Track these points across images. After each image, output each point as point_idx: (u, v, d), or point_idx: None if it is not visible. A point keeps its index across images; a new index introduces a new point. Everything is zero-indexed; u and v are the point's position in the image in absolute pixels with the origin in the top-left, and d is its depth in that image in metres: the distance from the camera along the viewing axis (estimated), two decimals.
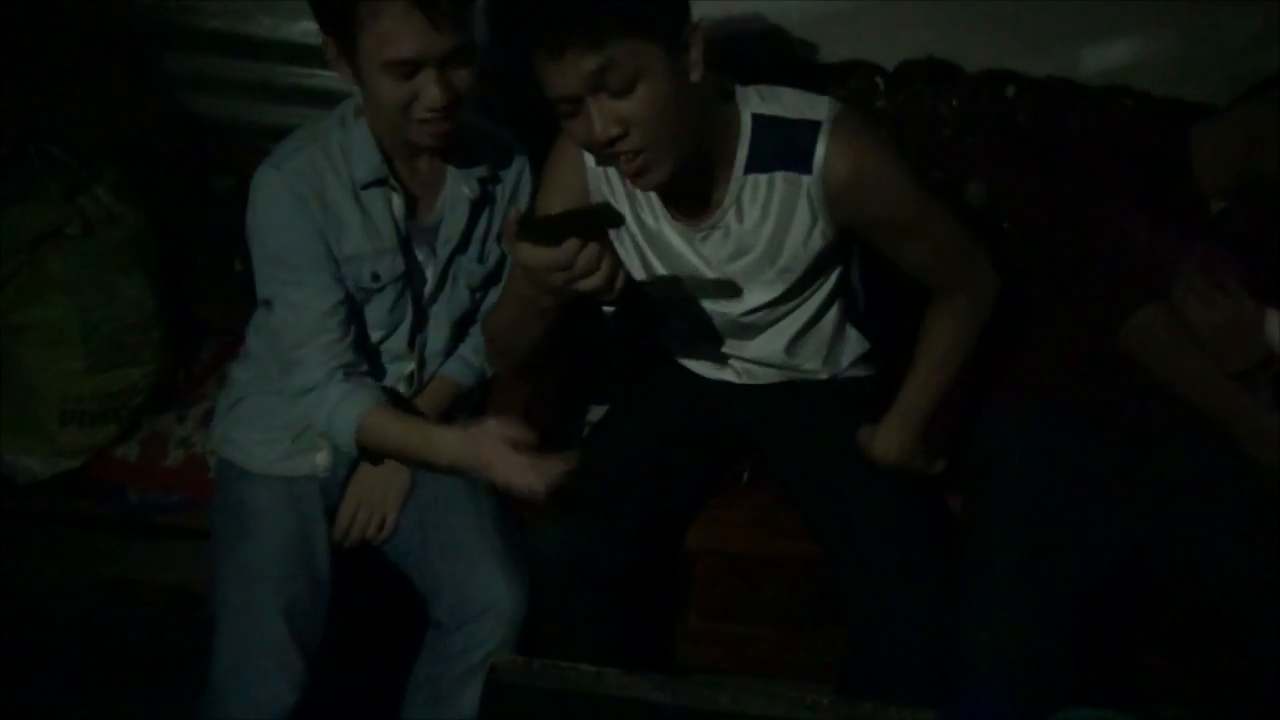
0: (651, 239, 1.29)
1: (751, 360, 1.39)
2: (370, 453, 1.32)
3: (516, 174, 1.40)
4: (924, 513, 1.32)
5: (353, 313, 1.32)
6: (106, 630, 1.65)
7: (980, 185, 1.65)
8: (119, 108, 1.69)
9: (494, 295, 1.43)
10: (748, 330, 1.35)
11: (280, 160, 1.26)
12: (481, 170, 1.35)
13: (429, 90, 1.16)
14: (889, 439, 1.30)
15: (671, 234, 1.27)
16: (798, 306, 1.32)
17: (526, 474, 1.16)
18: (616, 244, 1.28)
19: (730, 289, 1.29)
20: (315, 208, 1.25)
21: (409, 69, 1.14)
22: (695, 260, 1.28)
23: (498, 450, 1.19)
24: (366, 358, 1.36)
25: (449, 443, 1.26)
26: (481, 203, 1.37)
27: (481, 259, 1.40)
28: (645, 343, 1.50)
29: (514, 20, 1.05)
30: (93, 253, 1.53)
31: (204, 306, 1.76)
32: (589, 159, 1.23)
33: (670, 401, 1.45)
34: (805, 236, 1.23)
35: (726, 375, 1.42)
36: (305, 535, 1.32)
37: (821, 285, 1.31)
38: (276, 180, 1.24)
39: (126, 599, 1.66)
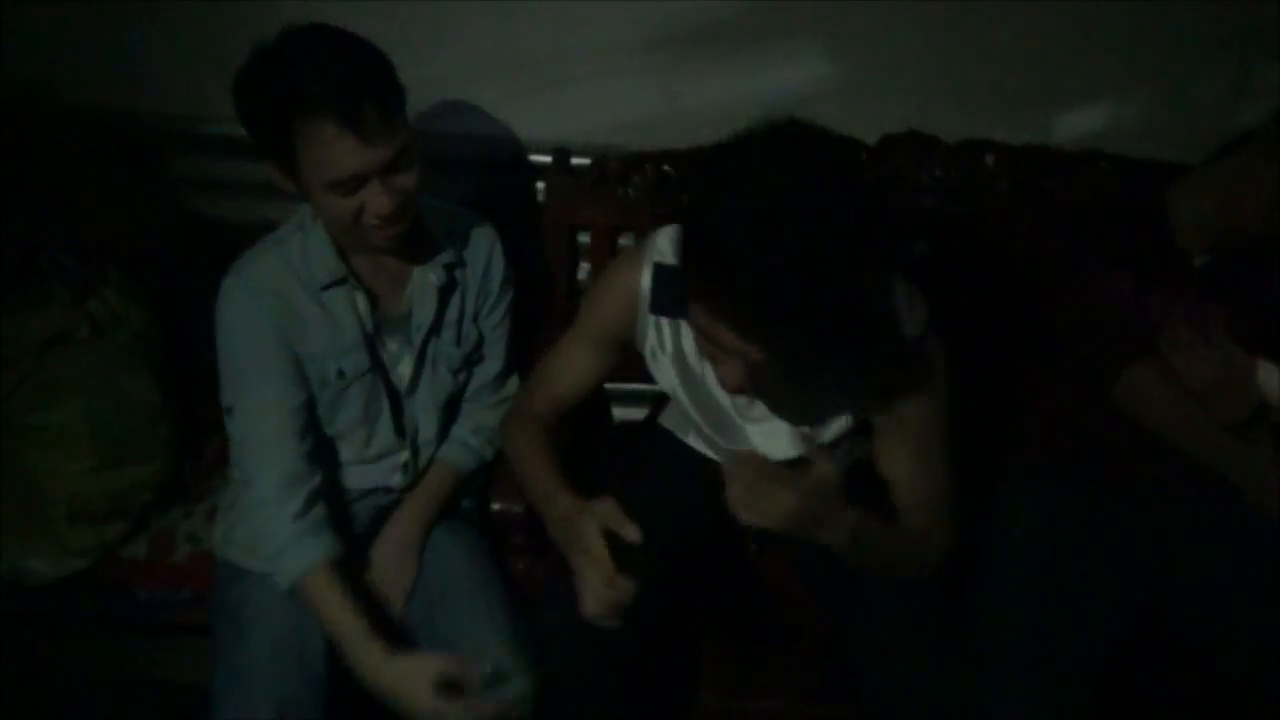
0: (688, 373, 1.31)
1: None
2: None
3: (486, 253, 1.43)
4: (932, 582, 1.32)
5: (314, 421, 1.33)
6: None
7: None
8: (125, 211, 1.73)
9: (480, 374, 1.46)
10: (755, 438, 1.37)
11: (242, 268, 1.29)
12: (447, 256, 1.37)
13: (375, 200, 1.18)
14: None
15: (712, 384, 1.30)
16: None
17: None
18: (651, 361, 1.32)
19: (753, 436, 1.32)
20: (278, 311, 1.28)
21: (351, 185, 1.17)
22: (726, 404, 1.32)
23: (419, 688, 1.19)
24: (343, 462, 1.37)
25: (371, 655, 1.23)
26: (450, 288, 1.39)
27: (459, 342, 1.42)
28: (648, 424, 1.52)
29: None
30: (101, 355, 1.55)
31: (210, 403, 1.76)
32: (645, 288, 1.25)
33: (673, 479, 1.45)
34: (835, 417, 1.28)
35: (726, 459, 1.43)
36: (303, 632, 1.30)
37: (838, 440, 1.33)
38: (238, 287, 1.28)
39: (139, 700, 1.65)
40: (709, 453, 1.42)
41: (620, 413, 1.85)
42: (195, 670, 1.44)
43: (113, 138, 1.72)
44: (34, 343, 1.50)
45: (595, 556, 1.11)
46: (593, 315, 1.32)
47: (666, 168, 1.64)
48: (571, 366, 1.35)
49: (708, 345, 1.07)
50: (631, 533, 1.12)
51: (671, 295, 1.23)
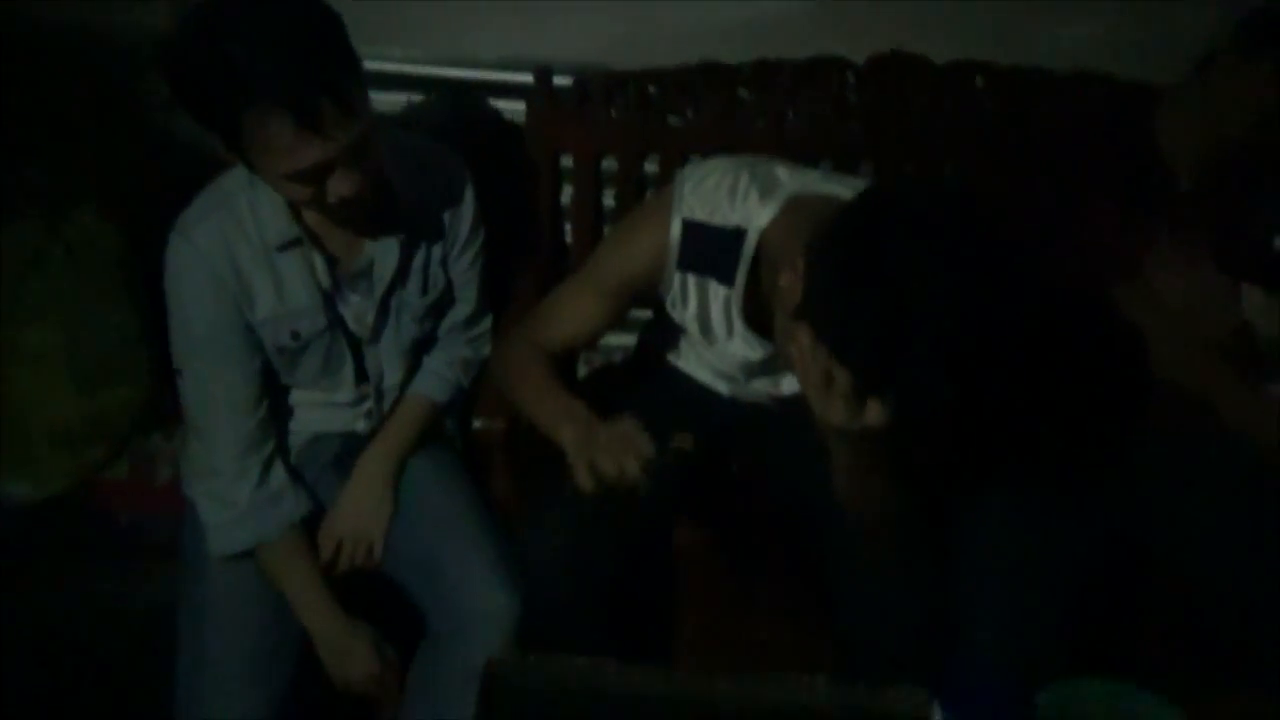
0: (709, 332, 1.29)
1: (750, 390, 1.39)
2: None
3: (455, 193, 1.34)
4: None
5: (270, 384, 1.29)
6: (104, 656, 1.64)
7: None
8: (96, 132, 1.70)
9: (451, 316, 1.42)
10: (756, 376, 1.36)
11: (188, 228, 1.21)
12: (410, 202, 1.28)
13: (338, 186, 1.11)
14: None
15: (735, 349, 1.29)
16: None
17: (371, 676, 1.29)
18: (670, 310, 1.30)
19: (761, 369, 1.31)
20: (228, 277, 1.21)
21: (312, 176, 1.09)
22: (743, 364, 1.31)
23: (362, 655, 1.29)
24: (303, 412, 1.35)
25: (321, 613, 1.29)
26: (414, 235, 1.32)
27: (425, 290, 1.36)
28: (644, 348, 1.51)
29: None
30: (76, 277, 1.54)
31: None
32: (674, 242, 1.22)
33: (657, 402, 1.45)
34: None
35: (719, 387, 1.42)
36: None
37: None
38: (187, 251, 1.20)
39: (117, 623, 1.66)
40: (700, 374, 1.42)
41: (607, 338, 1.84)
42: (174, 594, 1.45)
43: (82, 56, 1.68)
44: (8, 263, 1.49)
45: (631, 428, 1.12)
46: (611, 266, 1.28)
47: (651, 88, 1.61)
48: (580, 314, 1.31)
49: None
50: (684, 440, 1.14)
51: (704, 253, 1.21)
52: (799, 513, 1.40)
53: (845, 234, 0.95)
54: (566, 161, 1.69)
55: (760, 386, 1.36)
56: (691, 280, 1.25)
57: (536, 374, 1.27)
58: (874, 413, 0.98)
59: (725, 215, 1.19)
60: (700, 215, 1.20)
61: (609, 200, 1.73)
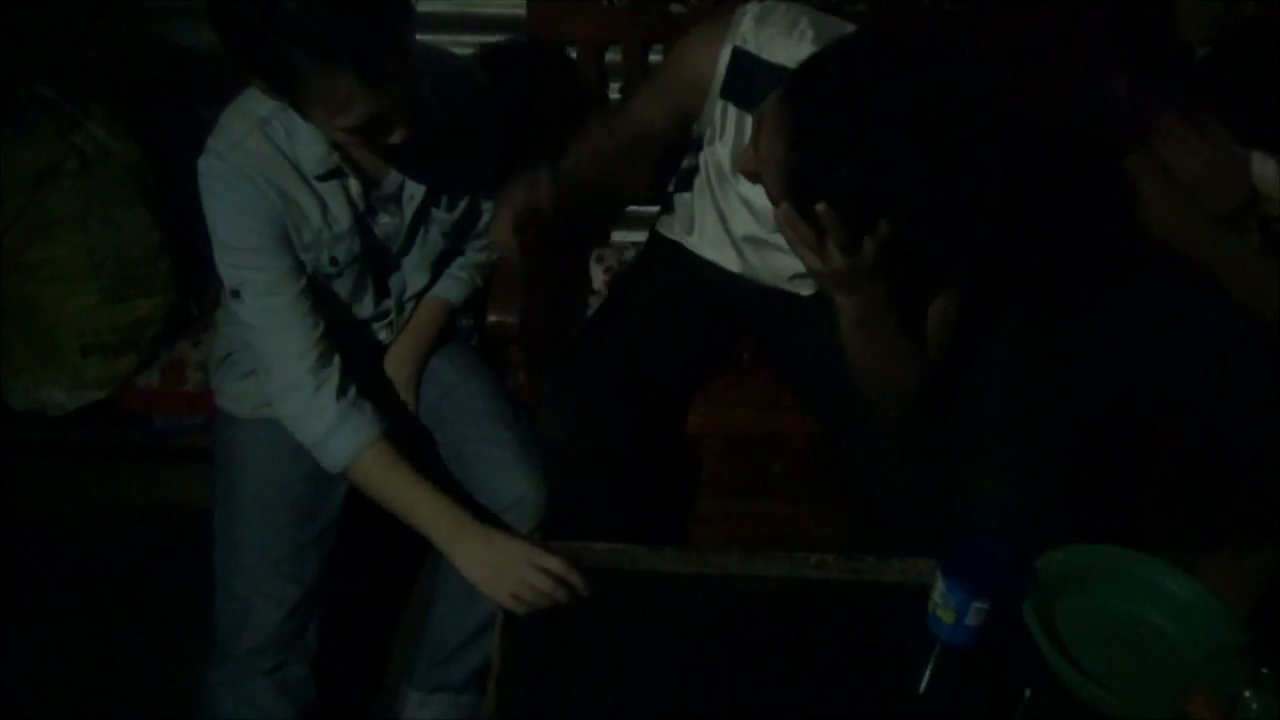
0: (740, 147, 1.26)
1: (759, 266, 1.39)
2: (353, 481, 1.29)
3: (486, 113, 1.34)
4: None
5: (317, 297, 1.27)
6: (142, 556, 1.72)
7: None
8: (104, 41, 1.69)
9: (474, 229, 1.42)
10: (770, 249, 1.36)
11: (224, 150, 1.19)
12: (439, 121, 1.26)
13: (389, 134, 1.11)
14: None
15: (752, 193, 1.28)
16: None
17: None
18: (707, 148, 1.30)
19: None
20: (272, 194, 1.20)
21: (366, 127, 1.09)
22: (761, 215, 1.30)
23: (516, 560, 1.18)
24: (337, 324, 1.33)
25: (456, 527, 1.23)
26: (445, 157, 1.31)
27: (453, 207, 1.36)
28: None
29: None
30: (92, 188, 1.55)
31: (209, 239, 1.78)
32: (722, 67, 1.22)
33: (669, 285, 1.47)
34: None
35: (729, 262, 1.42)
36: (298, 473, 1.32)
37: None
38: (226, 170, 1.18)
39: (160, 524, 1.73)
40: (710, 254, 1.43)
41: (618, 236, 1.85)
42: (208, 494, 1.52)
43: None
44: (23, 176, 1.50)
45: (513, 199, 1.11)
46: (667, 73, 1.30)
47: None
48: (645, 106, 1.30)
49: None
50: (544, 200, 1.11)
51: (747, 85, 1.21)
52: (810, 393, 1.43)
53: (825, 72, 0.95)
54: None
55: (770, 260, 1.37)
56: (732, 113, 1.25)
57: (588, 140, 1.27)
58: (869, 250, 0.99)
59: (775, 52, 1.19)
60: (752, 47, 1.20)
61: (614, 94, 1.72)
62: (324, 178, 1.22)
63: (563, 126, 1.67)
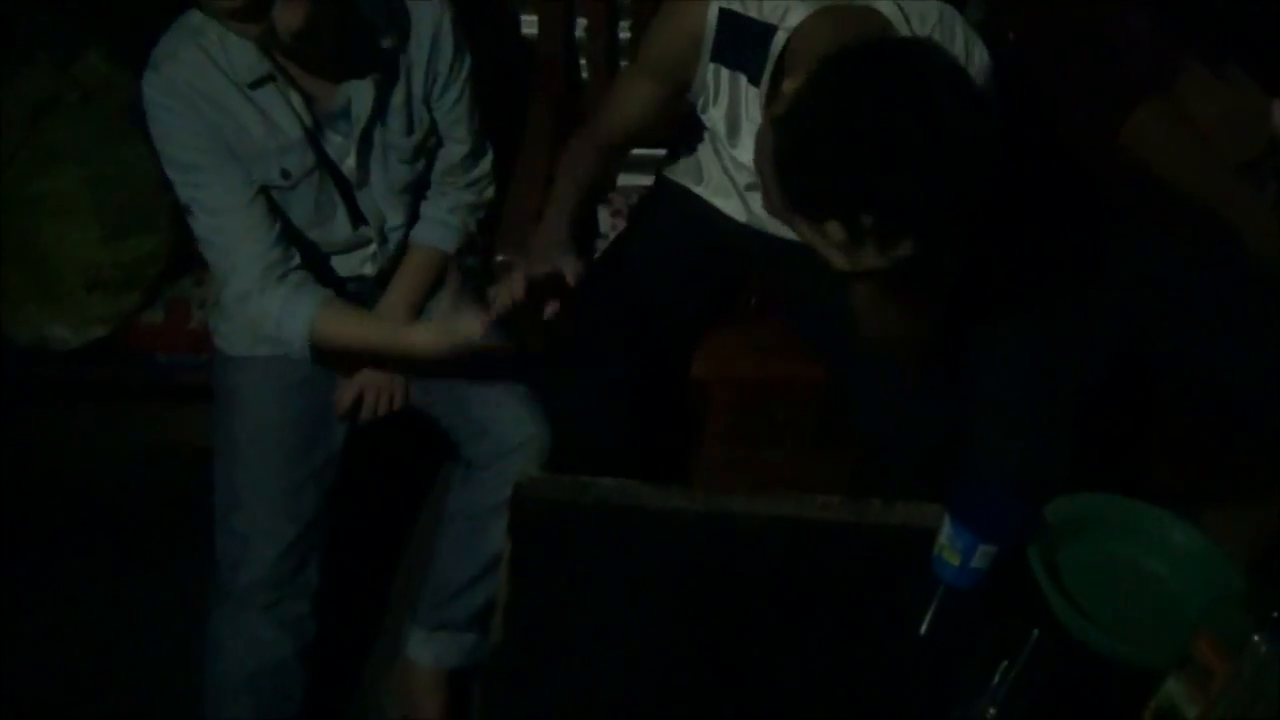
0: (736, 133, 1.28)
1: (764, 216, 1.37)
2: (326, 353, 1.31)
3: (432, 26, 1.29)
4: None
5: (274, 207, 1.27)
6: (145, 494, 1.74)
7: None
8: None
9: (445, 157, 1.40)
10: None
11: (159, 62, 1.19)
12: (387, 40, 1.26)
13: (285, 19, 1.07)
14: None
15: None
16: None
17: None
18: (701, 114, 1.29)
19: None
20: (205, 106, 1.19)
21: (251, 10, 1.06)
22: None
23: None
24: (309, 255, 1.33)
25: (416, 334, 1.26)
26: (391, 74, 1.29)
27: (410, 130, 1.33)
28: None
29: None
30: (93, 120, 1.53)
31: None
32: (709, 30, 1.21)
33: (676, 229, 1.46)
34: None
35: (736, 211, 1.42)
36: (293, 410, 1.34)
37: None
38: (159, 84, 1.19)
39: (164, 463, 1.74)
40: (717, 202, 1.41)
41: (624, 179, 1.83)
42: (211, 434, 1.52)
43: None
44: (22, 109, 1.48)
45: (514, 283, 1.12)
46: (653, 47, 1.28)
47: None
48: (633, 97, 1.32)
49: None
50: (569, 272, 1.15)
51: (736, 46, 1.19)
52: (816, 339, 1.43)
53: (821, 89, 0.94)
54: None
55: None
56: (724, 75, 1.24)
57: (566, 175, 1.32)
58: (871, 256, 0.99)
59: (760, 9, 1.17)
60: (737, 5, 1.18)
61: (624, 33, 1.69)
62: (256, 84, 1.21)
63: (568, 70, 1.66)
